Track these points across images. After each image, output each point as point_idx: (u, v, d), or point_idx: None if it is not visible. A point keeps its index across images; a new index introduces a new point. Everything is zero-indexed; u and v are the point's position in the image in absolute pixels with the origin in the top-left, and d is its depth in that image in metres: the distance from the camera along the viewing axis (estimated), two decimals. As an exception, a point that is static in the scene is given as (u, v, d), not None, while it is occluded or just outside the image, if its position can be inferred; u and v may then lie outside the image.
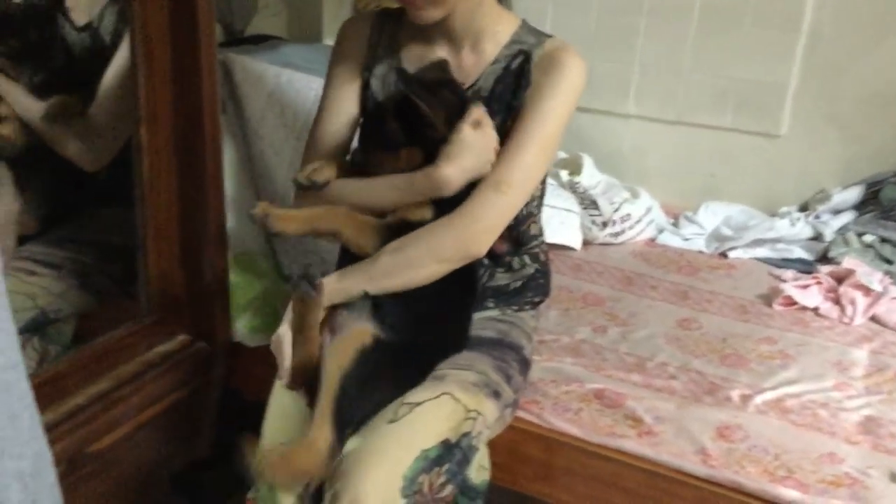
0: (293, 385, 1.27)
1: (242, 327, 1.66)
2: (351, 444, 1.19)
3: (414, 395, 1.24)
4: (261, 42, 2.29)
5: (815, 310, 1.95)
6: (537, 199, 1.51)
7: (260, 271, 1.75)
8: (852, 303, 1.94)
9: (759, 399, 1.56)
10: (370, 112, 1.43)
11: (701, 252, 2.32)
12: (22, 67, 1.57)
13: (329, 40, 2.45)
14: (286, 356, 1.27)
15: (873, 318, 1.92)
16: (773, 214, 2.46)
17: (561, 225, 2.24)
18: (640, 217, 2.37)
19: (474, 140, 1.30)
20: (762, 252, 2.28)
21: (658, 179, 2.64)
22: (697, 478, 1.38)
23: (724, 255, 2.29)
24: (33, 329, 1.49)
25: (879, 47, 2.38)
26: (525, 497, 1.57)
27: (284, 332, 1.28)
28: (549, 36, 1.43)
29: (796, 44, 2.42)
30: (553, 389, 1.57)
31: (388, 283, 1.30)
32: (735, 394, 1.58)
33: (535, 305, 1.58)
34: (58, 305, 1.54)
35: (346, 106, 1.45)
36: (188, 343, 1.56)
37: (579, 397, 1.56)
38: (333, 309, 1.30)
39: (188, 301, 1.55)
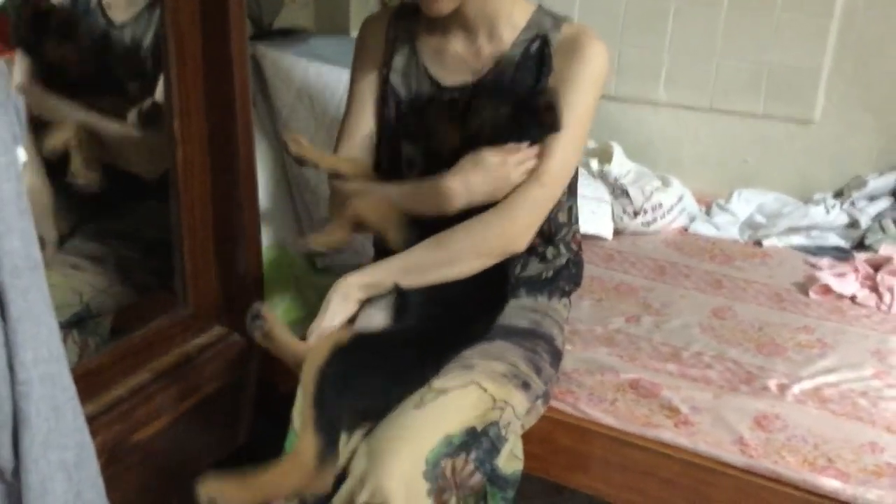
0: None
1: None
2: (377, 430, 1.19)
3: (441, 382, 1.25)
4: (289, 35, 2.29)
5: (853, 298, 1.92)
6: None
7: (293, 264, 1.76)
8: (890, 290, 1.91)
9: (796, 388, 1.54)
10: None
11: (734, 240, 2.29)
12: (71, 74, 1.59)
13: (356, 33, 2.44)
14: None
15: (912, 306, 1.89)
16: (808, 201, 2.43)
17: (592, 215, 2.22)
18: (671, 206, 2.34)
19: (492, 164, 1.30)
20: (797, 240, 2.25)
21: (689, 167, 2.62)
22: (736, 468, 1.37)
23: (758, 243, 2.26)
24: (76, 323, 1.50)
25: (914, 30, 2.33)
26: (560, 487, 1.57)
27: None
28: (566, 18, 1.42)
29: (829, 27, 2.38)
30: (588, 379, 1.57)
31: (424, 278, 1.31)
32: (772, 383, 1.56)
33: (566, 294, 1.57)
34: (101, 300, 1.56)
35: (370, 104, 1.46)
36: (224, 335, 1.57)
37: (614, 387, 1.55)
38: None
39: (223, 294, 1.56)
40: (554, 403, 1.49)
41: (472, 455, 1.21)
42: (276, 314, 1.32)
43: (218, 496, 1.11)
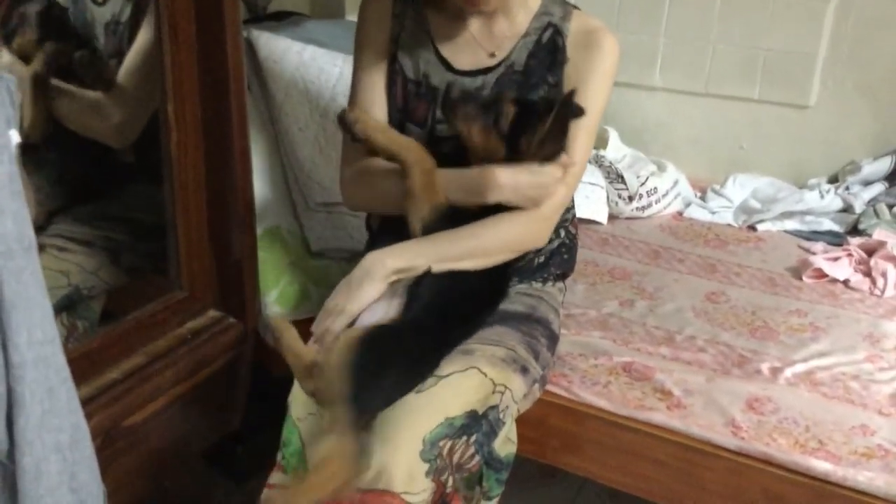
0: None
1: (272, 303, 1.67)
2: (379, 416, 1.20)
3: (441, 368, 1.25)
4: (283, 19, 2.28)
5: (846, 282, 1.93)
6: None
7: (287, 248, 1.76)
8: (883, 275, 1.91)
9: (789, 371, 1.55)
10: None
11: (729, 225, 2.30)
12: (46, 46, 1.57)
13: (351, 16, 2.43)
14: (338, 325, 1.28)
15: (905, 291, 1.90)
16: (802, 186, 2.44)
17: (587, 199, 2.22)
18: (666, 190, 2.35)
19: (549, 174, 1.31)
20: (791, 224, 2.26)
21: (685, 152, 2.62)
22: (727, 450, 1.38)
23: (752, 227, 2.27)
24: (66, 306, 1.50)
25: (911, 15, 2.33)
26: (553, 469, 1.57)
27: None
28: (574, 6, 1.44)
29: (825, 12, 2.38)
30: (581, 363, 1.57)
31: (454, 265, 1.32)
32: (765, 366, 1.57)
33: (559, 278, 1.58)
34: (91, 282, 1.56)
35: (378, 82, 1.45)
36: (218, 319, 1.57)
37: (608, 370, 1.55)
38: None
39: (217, 277, 1.56)
40: (548, 387, 1.50)
41: (473, 438, 1.21)
42: (287, 322, 1.30)
43: None
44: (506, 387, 1.29)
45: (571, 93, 1.32)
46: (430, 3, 1.43)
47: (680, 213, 2.38)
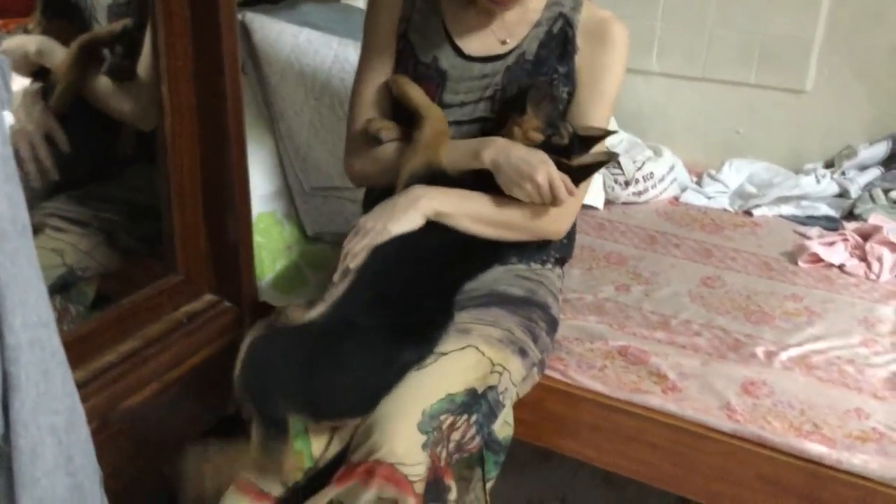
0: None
1: (268, 286, 1.67)
2: None
3: (440, 346, 1.26)
4: (279, 1, 2.27)
5: (841, 267, 1.94)
6: None
7: (283, 232, 1.76)
8: (879, 259, 1.92)
9: (784, 355, 1.56)
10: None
11: (725, 210, 2.30)
12: (65, 26, 1.57)
13: (347, -1, 2.42)
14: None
15: (900, 275, 1.90)
16: (798, 171, 2.44)
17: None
18: (662, 175, 2.35)
19: (537, 154, 1.30)
20: (787, 209, 2.26)
21: (681, 137, 2.62)
22: (722, 433, 1.39)
23: (748, 212, 2.27)
24: (60, 287, 1.50)
25: (908, -1, 2.32)
26: (550, 452, 1.58)
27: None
28: None
29: (822, -4, 2.37)
30: (577, 347, 1.58)
31: (482, 230, 1.34)
32: (760, 350, 1.57)
33: (558, 262, 1.58)
34: (85, 263, 1.55)
35: (387, 61, 1.45)
36: (214, 303, 1.57)
37: (603, 354, 1.56)
38: None
39: (213, 261, 1.55)
40: (545, 371, 1.50)
41: (474, 418, 1.22)
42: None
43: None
44: (504, 367, 1.29)
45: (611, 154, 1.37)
46: None
47: (676, 198, 2.38)
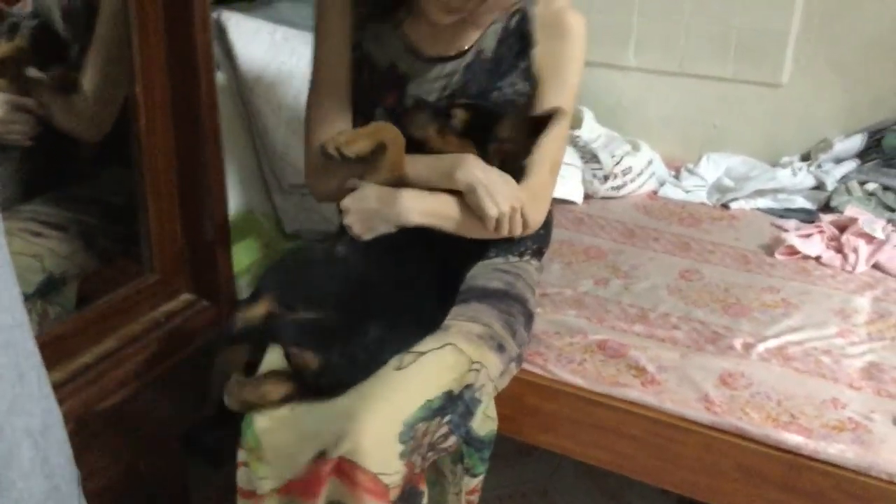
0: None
1: (246, 285, 1.67)
2: (358, 388, 1.20)
3: (419, 345, 1.25)
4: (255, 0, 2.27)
5: (818, 258, 1.95)
6: None
7: (261, 230, 1.75)
8: (855, 251, 1.94)
9: (761, 347, 1.57)
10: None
11: (703, 203, 2.32)
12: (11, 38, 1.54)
13: (324, -4, 2.41)
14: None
15: (875, 266, 1.92)
16: (775, 164, 2.45)
17: (562, 179, 2.22)
18: (641, 170, 2.36)
19: (513, 185, 1.30)
20: (764, 202, 2.28)
21: (659, 131, 2.63)
22: (701, 424, 1.40)
23: (725, 206, 2.28)
24: (41, 293, 1.49)
25: (881, -8, 2.34)
26: (531, 447, 1.59)
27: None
28: None
29: (797, -11, 2.39)
30: (557, 341, 1.58)
31: (464, 233, 1.33)
32: (738, 342, 1.58)
33: (536, 254, 1.58)
34: (64, 267, 1.54)
35: (340, 72, 1.43)
36: (192, 302, 1.56)
37: (583, 348, 1.57)
38: None
39: (190, 260, 1.54)
40: (524, 365, 1.51)
41: (447, 418, 1.22)
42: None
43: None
44: (482, 364, 1.29)
45: (545, 116, 1.32)
46: None
47: (655, 192, 2.39)
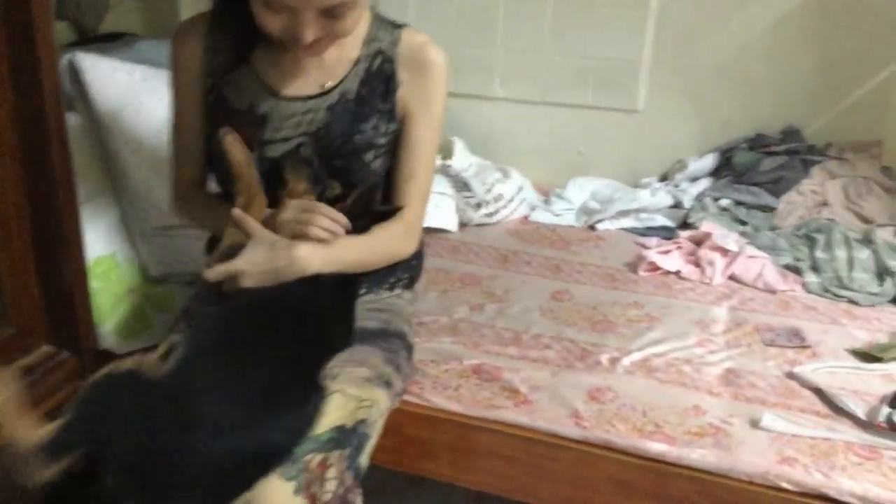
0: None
1: (109, 333, 1.61)
2: None
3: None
4: (115, 40, 2.21)
5: (678, 273, 2.05)
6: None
7: (124, 275, 1.70)
8: (711, 264, 2.05)
9: (626, 360, 1.63)
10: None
11: (571, 226, 2.40)
12: None
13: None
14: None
15: (731, 277, 2.04)
16: (637, 186, 2.58)
17: (436, 209, 2.26)
18: (512, 196, 2.43)
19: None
20: (627, 222, 2.38)
21: (528, 159, 2.72)
22: (572, 440, 1.44)
23: (592, 227, 2.38)
24: None
25: (722, 23, 2.51)
26: (422, 478, 1.58)
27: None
28: (400, 25, 1.44)
29: (646, 22, 2.53)
30: (433, 369, 1.60)
31: (350, 270, 1.35)
32: (604, 358, 1.64)
33: (408, 285, 1.59)
34: None
35: (196, 115, 1.42)
36: (52, 354, 1.49)
37: (458, 374, 1.59)
38: None
39: (48, 310, 1.48)
40: (403, 396, 1.51)
41: (347, 451, 1.21)
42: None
43: None
44: (372, 401, 1.29)
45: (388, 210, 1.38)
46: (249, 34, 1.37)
47: (526, 217, 2.46)
